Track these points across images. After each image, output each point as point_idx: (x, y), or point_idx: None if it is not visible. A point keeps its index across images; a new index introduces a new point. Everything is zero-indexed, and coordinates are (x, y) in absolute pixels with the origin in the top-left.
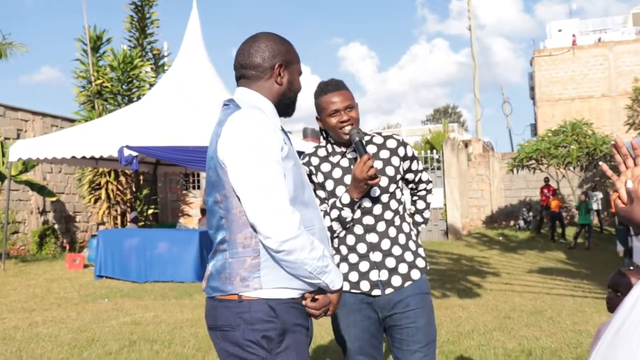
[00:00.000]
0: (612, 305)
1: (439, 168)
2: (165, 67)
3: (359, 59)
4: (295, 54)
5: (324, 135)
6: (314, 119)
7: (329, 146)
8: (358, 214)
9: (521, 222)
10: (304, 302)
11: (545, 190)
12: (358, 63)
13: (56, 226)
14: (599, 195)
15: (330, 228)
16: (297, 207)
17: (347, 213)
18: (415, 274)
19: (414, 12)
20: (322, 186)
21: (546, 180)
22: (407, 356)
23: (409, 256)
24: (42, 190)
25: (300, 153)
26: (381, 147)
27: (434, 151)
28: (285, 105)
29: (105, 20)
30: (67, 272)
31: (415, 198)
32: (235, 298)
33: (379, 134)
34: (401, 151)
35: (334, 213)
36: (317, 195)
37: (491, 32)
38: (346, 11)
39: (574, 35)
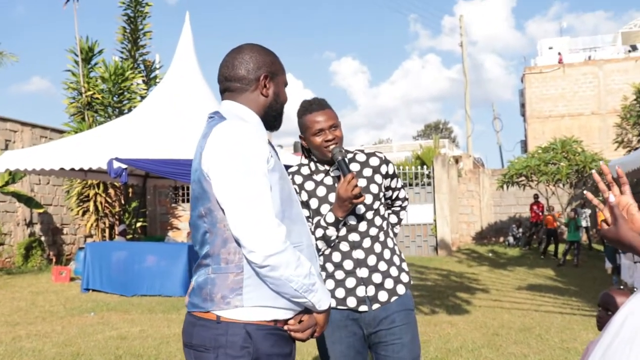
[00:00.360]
0: (602, 324)
1: (429, 184)
2: (157, 80)
3: (350, 74)
4: (280, 64)
5: (306, 154)
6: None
7: (312, 164)
8: (344, 231)
9: (510, 239)
10: (286, 327)
11: (535, 207)
12: (350, 78)
13: (43, 238)
14: (588, 212)
15: (315, 247)
16: (284, 222)
17: (331, 232)
18: (401, 289)
19: (407, 28)
20: (306, 204)
21: (536, 197)
22: None
23: (394, 271)
24: (29, 201)
25: (289, 167)
26: (364, 164)
27: (425, 167)
28: (272, 118)
29: (97, 31)
30: (53, 285)
31: (389, 212)
32: (214, 318)
33: (362, 151)
34: (383, 169)
35: (319, 232)
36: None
37: (483, 48)
38: (338, 25)
39: (559, 54)
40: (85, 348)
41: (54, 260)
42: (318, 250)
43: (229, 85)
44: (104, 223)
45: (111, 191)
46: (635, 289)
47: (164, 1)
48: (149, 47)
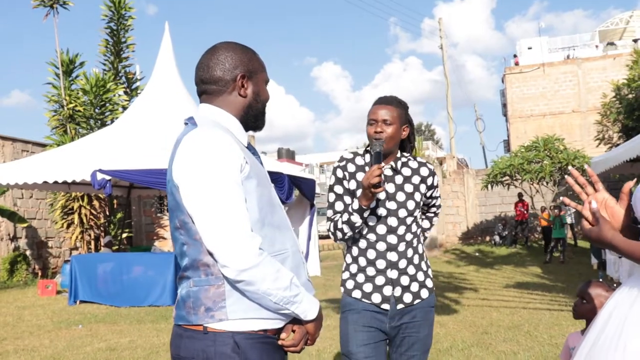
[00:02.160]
0: (577, 312)
1: None
2: (139, 91)
3: (332, 79)
4: (259, 61)
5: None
6: (288, 139)
7: (367, 156)
8: (383, 230)
9: (497, 238)
10: (280, 342)
11: (520, 206)
12: (332, 82)
13: (28, 252)
14: (572, 209)
15: (341, 230)
16: (265, 230)
17: (355, 218)
18: (424, 293)
19: (387, 31)
20: (352, 193)
21: (520, 195)
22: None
23: (420, 276)
24: (12, 216)
25: (274, 173)
26: (415, 172)
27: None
28: (253, 118)
29: (78, 43)
30: (40, 299)
31: (423, 217)
32: (201, 329)
33: (415, 158)
34: (429, 180)
35: (345, 216)
36: (342, 200)
37: (464, 49)
38: (319, 31)
39: (515, 56)
40: None
41: (39, 274)
42: (344, 234)
43: (205, 88)
44: (89, 235)
45: (95, 203)
46: (619, 284)
47: (144, 12)
48: (131, 59)
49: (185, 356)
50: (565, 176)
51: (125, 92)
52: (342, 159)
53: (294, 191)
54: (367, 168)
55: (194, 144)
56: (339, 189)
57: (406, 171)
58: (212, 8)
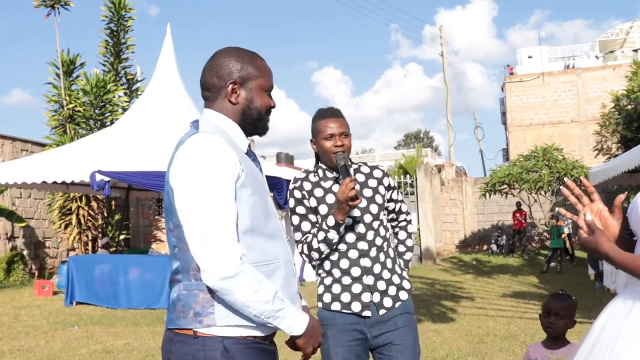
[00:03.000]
0: (554, 329)
1: (412, 193)
2: (139, 92)
3: (333, 84)
4: (256, 68)
5: (317, 161)
6: (288, 143)
7: (320, 171)
8: (353, 238)
9: (494, 247)
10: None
11: (518, 215)
12: (332, 87)
13: (25, 252)
14: (570, 220)
15: (317, 250)
16: (256, 239)
17: (332, 235)
18: (403, 295)
19: (388, 37)
20: (314, 211)
21: (518, 204)
22: None
23: (396, 279)
24: (10, 215)
25: (272, 178)
26: (369, 176)
27: (408, 176)
28: (251, 125)
29: (79, 44)
30: (36, 299)
31: (396, 230)
32: (190, 333)
33: (365, 163)
34: (386, 181)
35: (321, 235)
36: (308, 220)
37: (465, 57)
38: (320, 35)
39: (508, 66)
40: None
41: (36, 274)
42: (321, 253)
43: (203, 93)
44: (87, 236)
45: (94, 204)
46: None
47: (146, 13)
48: (131, 60)
49: None
50: (561, 187)
51: (125, 94)
52: (295, 179)
53: None
54: (322, 183)
55: (191, 148)
56: (301, 210)
57: (360, 177)
58: (214, 10)
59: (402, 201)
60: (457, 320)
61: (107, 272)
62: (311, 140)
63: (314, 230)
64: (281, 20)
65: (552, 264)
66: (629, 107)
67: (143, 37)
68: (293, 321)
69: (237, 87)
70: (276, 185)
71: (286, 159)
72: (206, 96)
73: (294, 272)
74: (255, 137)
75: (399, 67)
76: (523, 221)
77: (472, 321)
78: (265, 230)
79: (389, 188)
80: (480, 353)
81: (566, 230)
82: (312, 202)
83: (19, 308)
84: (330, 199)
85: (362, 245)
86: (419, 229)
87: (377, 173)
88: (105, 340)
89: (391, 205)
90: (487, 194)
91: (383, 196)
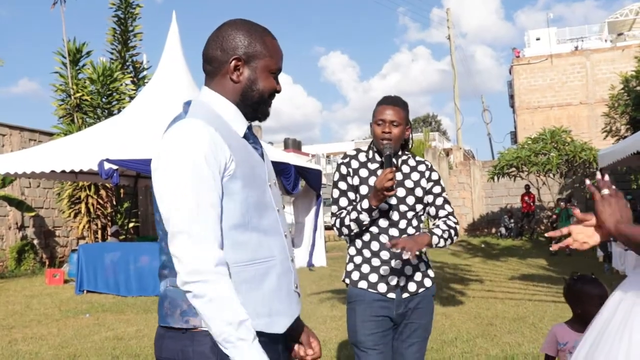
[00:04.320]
0: (592, 314)
1: None
2: (146, 80)
3: (340, 69)
4: (266, 46)
5: (372, 142)
6: (295, 129)
7: (370, 153)
8: (385, 224)
9: (503, 230)
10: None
11: (526, 198)
12: (339, 72)
13: (35, 241)
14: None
15: (348, 227)
16: (248, 234)
17: (364, 217)
18: (428, 282)
19: (395, 21)
20: (356, 189)
21: (527, 187)
22: (404, 346)
23: (422, 266)
24: (20, 205)
25: (280, 163)
26: (413, 169)
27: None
28: (250, 107)
29: (86, 32)
30: (47, 287)
31: (437, 222)
32: (180, 328)
33: (413, 156)
34: (427, 174)
35: (354, 214)
36: (346, 196)
37: (473, 40)
38: (326, 20)
39: (514, 49)
40: (82, 349)
41: (47, 263)
42: (350, 230)
43: (204, 66)
44: (96, 225)
45: (102, 192)
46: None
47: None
48: (138, 48)
49: (166, 357)
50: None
51: (133, 82)
52: (345, 155)
53: (300, 182)
54: (369, 165)
55: (171, 138)
56: (343, 185)
57: (405, 168)
58: None
59: (444, 197)
60: (466, 303)
61: (117, 260)
62: (370, 124)
63: (350, 207)
64: (288, 6)
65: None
66: (639, 88)
67: (150, 24)
68: (252, 358)
69: (240, 65)
70: (284, 171)
71: (294, 145)
72: (207, 70)
73: (292, 270)
74: (262, 123)
75: (407, 51)
76: (532, 204)
77: (481, 304)
78: (259, 225)
79: (430, 180)
80: (489, 335)
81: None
82: (355, 181)
83: (30, 297)
84: (373, 181)
85: (393, 231)
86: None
87: (422, 167)
88: (117, 327)
89: (430, 198)
90: (496, 177)
91: (424, 189)
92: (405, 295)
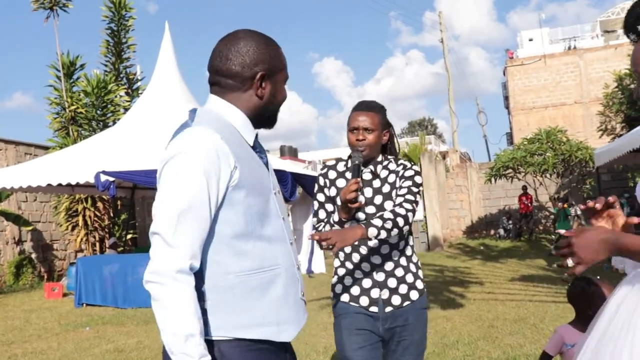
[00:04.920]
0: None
1: None
2: (140, 91)
3: (334, 74)
4: (281, 58)
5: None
6: (291, 136)
7: (348, 162)
8: None
9: (501, 231)
10: None
11: (524, 198)
12: (334, 78)
13: (33, 255)
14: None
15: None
16: (252, 243)
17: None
18: (414, 295)
19: (388, 25)
20: (332, 200)
21: (524, 188)
22: None
23: (409, 278)
24: (17, 219)
25: (277, 171)
26: (392, 172)
27: (412, 164)
28: (265, 119)
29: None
30: (46, 301)
31: (384, 212)
32: None
33: (395, 159)
34: (401, 173)
35: (327, 227)
36: (324, 208)
37: (466, 42)
38: (319, 26)
39: (507, 50)
40: None
41: (45, 277)
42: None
43: (219, 79)
44: (94, 237)
45: (99, 205)
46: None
47: (145, 10)
48: (132, 60)
49: None
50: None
51: (127, 93)
52: (324, 166)
53: (298, 189)
54: (347, 174)
55: (176, 146)
56: (321, 197)
57: (384, 173)
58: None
59: (408, 188)
60: (467, 306)
61: (116, 272)
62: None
63: (327, 219)
64: (281, 13)
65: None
66: (632, 86)
67: (143, 35)
68: None
69: (265, 80)
70: (281, 179)
71: (290, 152)
72: (224, 83)
73: (298, 277)
74: (259, 130)
75: (400, 55)
76: (529, 205)
77: (482, 306)
78: (262, 234)
79: (401, 177)
80: (491, 337)
81: (573, 212)
82: (332, 192)
83: (29, 311)
84: None
85: (372, 242)
86: (425, 217)
87: (399, 168)
88: (117, 339)
89: (395, 193)
90: (493, 179)
91: (397, 189)
92: (389, 309)
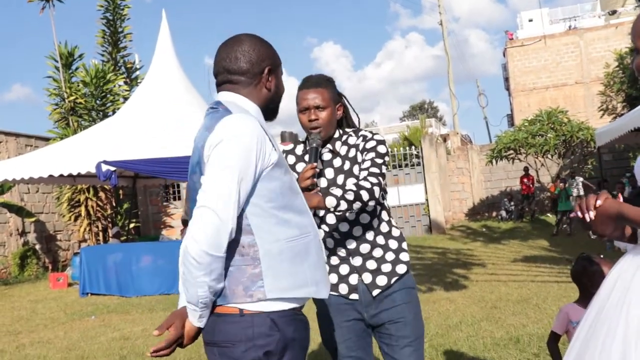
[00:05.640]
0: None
1: (418, 164)
2: (139, 80)
3: (333, 59)
4: (277, 55)
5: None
6: (291, 122)
7: (306, 144)
8: (333, 219)
9: (503, 213)
10: (151, 351)
11: (525, 180)
12: (333, 63)
13: (37, 246)
14: (580, 179)
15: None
16: (289, 214)
17: None
18: (401, 269)
19: (387, 8)
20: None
21: (526, 169)
22: (396, 351)
23: (390, 255)
24: (20, 211)
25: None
26: (353, 146)
27: (413, 147)
28: (271, 110)
29: (76, 36)
30: (52, 292)
31: (347, 182)
32: (237, 312)
33: (357, 131)
34: (362, 146)
35: None
36: None
37: (466, 23)
38: (317, 11)
39: (507, 32)
40: (90, 351)
41: (50, 267)
42: None
43: (230, 77)
44: (97, 227)
45: (102, 194)
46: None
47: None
48: (129, 49)
49: (222, 340)
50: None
51: (126, 82)
52: (282, 151)
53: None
54: (306, 157)
55: (231, 127)
56: None
57: (344, 149)
58: None
59: (372, 160)
60: (470, 287)
61: (120, 261)
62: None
63: None
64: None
65: (564, 227)
66: (629, 60)
67: (141, 24)
68: (205, 314)
69: (271, 74)
70: None
71: (290, 138)
72: (236, 80)
73: (321, 245)
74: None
75: (400, 38)
76: (531, 186)
77: (485, 287)
78: (294, 206)
79: (364, 150)
80: (494, 318)
81: (575, 192)
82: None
83: (35, 302)
84: None
85: (343, 226)
86: (427, 200)
87: (359, 140)
88: (123, 327)
89: (357, 168)
90: (494, 161)
91: (360, 164)
92: (376, 291)
